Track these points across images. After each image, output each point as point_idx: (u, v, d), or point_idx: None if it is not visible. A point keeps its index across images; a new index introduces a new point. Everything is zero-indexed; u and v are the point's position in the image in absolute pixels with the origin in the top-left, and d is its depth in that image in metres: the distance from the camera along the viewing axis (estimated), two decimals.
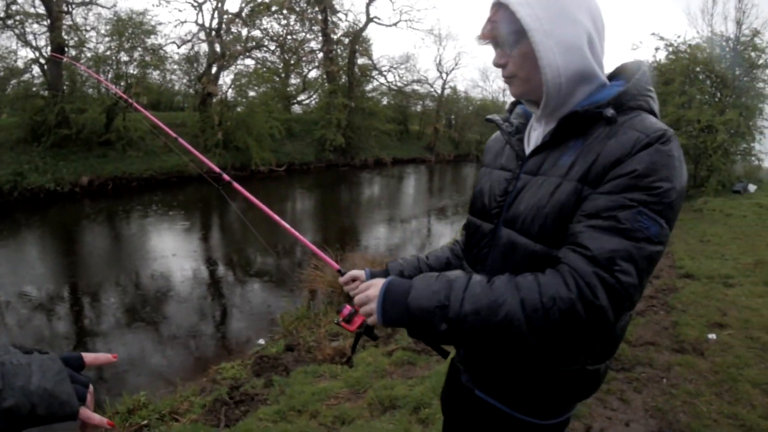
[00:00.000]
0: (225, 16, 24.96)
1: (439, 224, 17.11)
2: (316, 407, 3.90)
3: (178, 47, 25.74)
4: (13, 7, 19.17)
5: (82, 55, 20.30)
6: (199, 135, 22.91)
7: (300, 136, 29.56)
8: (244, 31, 26.53)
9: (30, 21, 19.57)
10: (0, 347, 0.87)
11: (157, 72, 25.69)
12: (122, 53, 21.02)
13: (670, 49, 19.45)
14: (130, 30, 20.81)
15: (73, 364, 0.93)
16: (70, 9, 20.36)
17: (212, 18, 25.06)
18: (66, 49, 19.54)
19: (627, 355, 4.58)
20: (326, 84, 31.83)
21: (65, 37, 19.60)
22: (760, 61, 18.18)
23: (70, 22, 20.28)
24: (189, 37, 25.68)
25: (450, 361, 1.70)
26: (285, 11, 27.55)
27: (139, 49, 21.55)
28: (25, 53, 25.97)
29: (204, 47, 26.74)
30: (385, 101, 38.16)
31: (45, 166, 17.45)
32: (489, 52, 1.41)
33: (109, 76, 20.91)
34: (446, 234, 14.93)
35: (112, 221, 14.96)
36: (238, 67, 26.23)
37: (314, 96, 35.83)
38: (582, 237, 1.12)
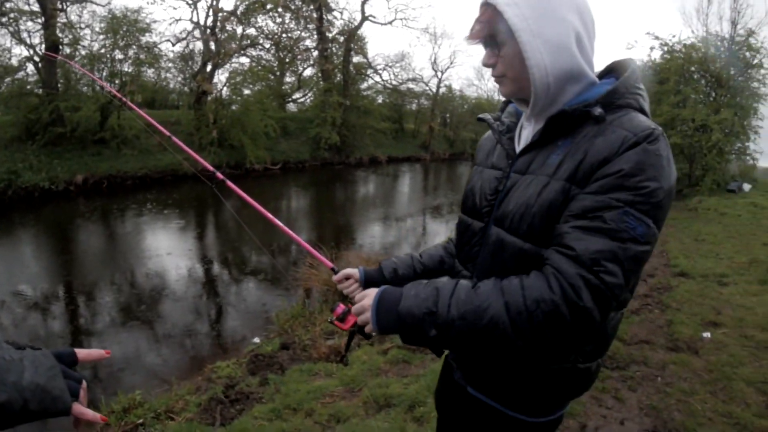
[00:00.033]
0: (220, 14, 24.88)
1: (434, 223, 17.11)
2: (312, 405, 3.91)
3: (173, 45, 25.77)
4: (7, 5, 19.03)
5: (77, 53, 20.23)
6: (194, 133, 22.88)
7: (295, 135, 29.53)
8: (239, 29, 26.59)
9: (24, 18, 19.44)
10: None
11: (152, 70, 25.75)
12: (117, 51, 20.96)
13: (665, 48, 19.51)
14: (124, 28, 20.74)
15: (66, 360, 0.94)
16: (65, 6, 20.24)
17: (207, 16, 25.02)
18: (60, 47, 19.45)
19: (622, 353, 4.59)
20: (321, 82, 31.81)
21: (60, 34, 19.52)
22: (755, 61, 18.23)
23: (65, 20, 20.18)
24: (184, 35, 25.69)
25: (444, 358, 1.70)
26: (280, 9, 27.57)
27: (134, 47, 21.49)
28: (20, 51, 25.83)
29: (199, 45, 26.75)
30: (380, 99, 38.11)
31: (39, 164, 17.39)
32: (484, 52, 1.40)
33: (104, 74, 20.84)
34: (441, 232, 14.94)
35: (107, 220, 14.91)
36: (233, 65, 26.27)
37: (309, 94, 35.85)
38: (567, 238, 1.13)
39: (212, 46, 24.54)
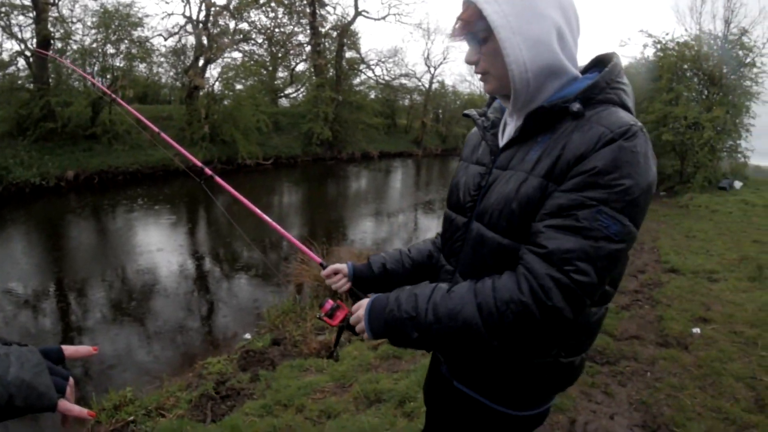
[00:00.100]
0: (212, 9, 24.72)
1: (425, 218, 17.11)
2: (302, 401, 3.91)
3: (165, 40, 25.60)
4: None
5: (68, 48, 20.07)
6: (185, 128, 22.80)
7: (287, 130, 29.47)
8: (232, 24, 26.46)
9: (15, 12, 19.23)
10: None
11: (144, 65, 25.54)
12: (108, 45, 20.80)
13: (659, 46, 19.54)
14: (116, 22, 20.59)
15: (53, 357, 0.94)
16: (56, 0, 20.08)
17: (200, 10, 24.86)
18: (52, 41, 19.27)
19: (612, 348, 4.61)
20: (314, 77, 31.66)
21: (51, 29, 19.32)
22: (748, 60, 18.30)
23: (56, 14, 19.96)
24: (176, 30, 25.49)
25: (433, 352, 1.72)
26: (273, 4, 27.53)
27: (126, 41, 21.35)
28: (11, 45, 25.62)
29: (191, 40, 26.49)
30: (372, 95, 38.11)
31: (30, 160, 17.23)
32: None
33: (95, 68, 20.73)
34: (432, 227, 14.93)
35: (98, 215, 14.83)
36: (225, 59, 26.03)
37: (302, 89, 35.81)
38: (541, 237, 1.14)
39: (204, 40, 24.38)
